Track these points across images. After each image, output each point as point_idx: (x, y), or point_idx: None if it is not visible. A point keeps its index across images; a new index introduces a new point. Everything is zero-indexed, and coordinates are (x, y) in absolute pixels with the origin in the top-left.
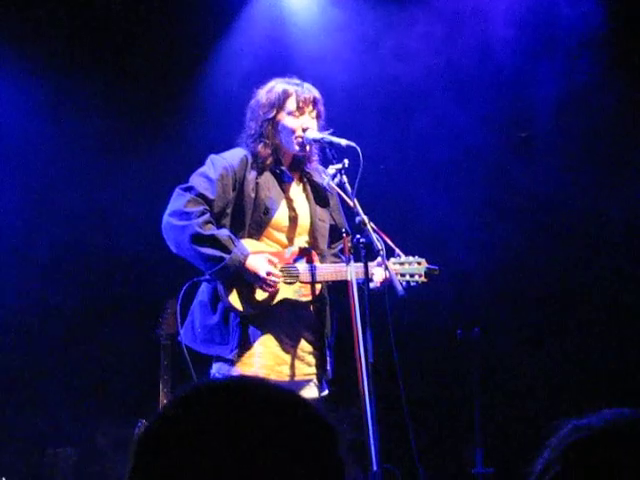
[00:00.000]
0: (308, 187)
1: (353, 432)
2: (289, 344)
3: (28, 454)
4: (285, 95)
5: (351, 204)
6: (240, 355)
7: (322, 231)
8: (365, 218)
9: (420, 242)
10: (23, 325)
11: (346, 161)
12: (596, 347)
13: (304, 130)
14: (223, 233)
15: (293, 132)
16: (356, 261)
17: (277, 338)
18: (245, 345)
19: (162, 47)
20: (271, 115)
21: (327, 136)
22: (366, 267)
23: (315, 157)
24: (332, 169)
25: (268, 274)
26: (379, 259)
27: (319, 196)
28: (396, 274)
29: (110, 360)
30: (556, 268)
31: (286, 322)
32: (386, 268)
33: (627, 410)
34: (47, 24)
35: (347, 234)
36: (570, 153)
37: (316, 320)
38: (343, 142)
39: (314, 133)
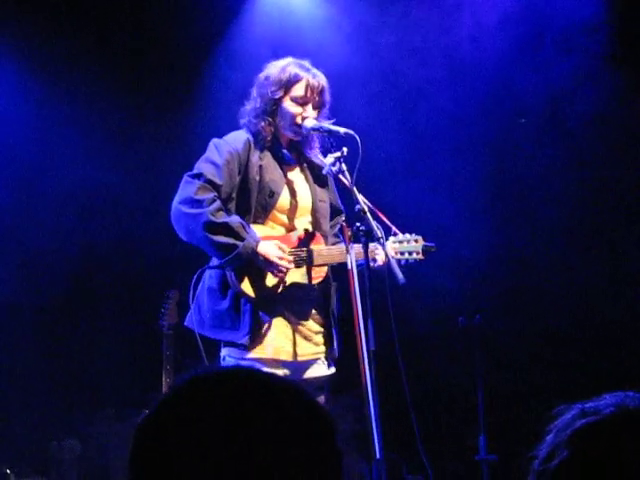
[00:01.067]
0: (306, 168)
1: (355, 420)
2: (297, 325)
3: (33, 446)
4: (296, 79)
5: (348, 187)
6: (252, 340)
7: (323, 212)
8: (365, 206)
9: (420, 229)
10: (25, 317)
11: (345, 149)
12: (599, 334)
13: (303, 119)
14: (235, 220)
15: (293, 118)
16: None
17: (286, 320)
18: (256, 329)
19: (171, 33)
20: (278, 95)
21: (325, 124)
22: (366, 254)
23: (315, 144)
24: (331, 157)
25: (280, 259)
26: (375, 244)
27: (318, 176)
28: (396, 252)
29: (113, 351)
30: (557, 257)
31: (294, 304)
32: (386, 255)
33: (631, 393)
34: (55, 9)
35: (346, 223)
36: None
37: (322, 300)
38: (342, 130)
39: (312, 122)
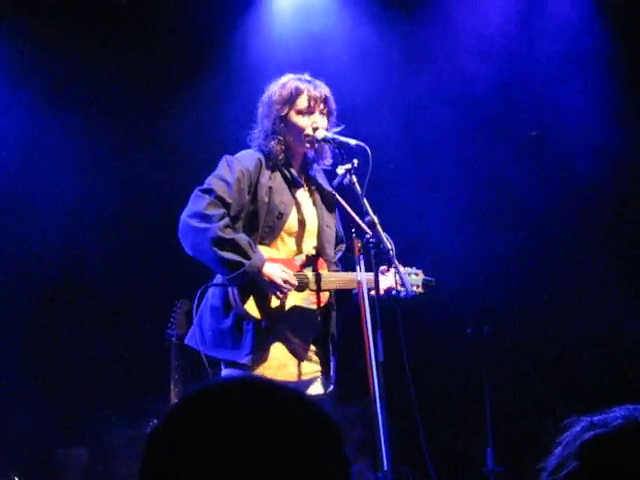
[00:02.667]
0: (315, 192)
1: (363, 432)
2: (297, 347)
3: (39, 454)
4: (297, 92)
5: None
6: (254, 359)
7: (328, 237)
8: (375, 218)
9: (430, 241)
10: (33, 324)
11: (355, 161)
12: (606, 345)
13: (314, 130)
14: (243, 238)
15: (302, 131)
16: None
17: (286, 342)
18: (258, 349)
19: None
20: (283, 112)
21: (336, 136)
22: (376, 268)
23: (328, 154)
24: (341, 169)
25: (285, 281)
26: (382, 268)
27: (326, 201)
28: (397, 284)
29: (121, 360)
30: (563, 268)
31: (295, 327)
32: (396, 267)
33: None
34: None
35: (356, 235)
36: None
37: (322, 325)
38: (352, 142)
39: (323, 133)
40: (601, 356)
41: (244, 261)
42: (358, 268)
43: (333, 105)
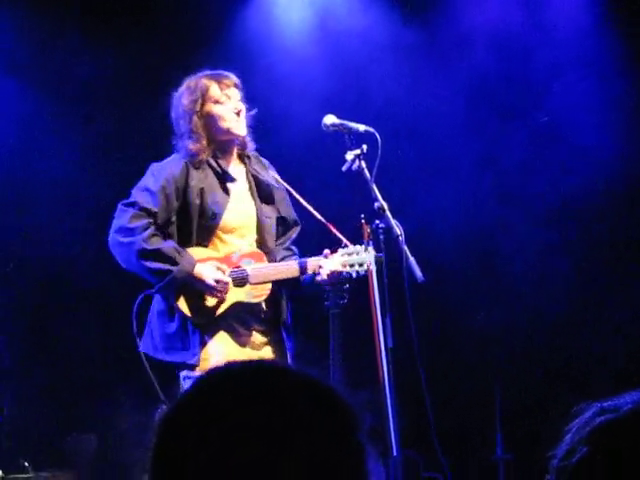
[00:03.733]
0: (253, 185)
1: (372, 417)
2: (246, 338)
3: (50, 439)
4: (205, 86)
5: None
6: (202, 358)
7: (268, 229)
8: (384, 204)
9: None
10: (41, 309)
11: (364, 146)
12: (618, 333)
13: (238, 113)
14: (168, 245)
15: (225, 118)
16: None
17: (233, 337)
18: (205, 348)
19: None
20: (196, 109)
21: (345, 122)
22: (386, 253)
23: (248, 139)
24: (350, 155)
25: (217, 282)
26: (326, 251)
27: (264, 193)
28: (344, 265)
29: (131, 345)
30: (583, 257)
31: (238, 321)
32: (405, 253)
33: None
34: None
35: (365, 221)
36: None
37: (269, 313)
38: (361, 128)
39: (332, 119)
40: (617, 343)
41: (172, 268)
42: (367, 256)
43: (242, 92)
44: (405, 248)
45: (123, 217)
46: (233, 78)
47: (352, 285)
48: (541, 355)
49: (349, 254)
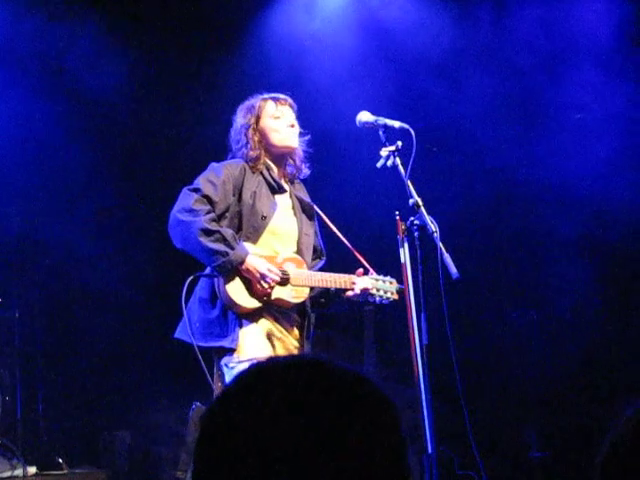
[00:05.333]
0: (296, 201)
1: (408, 415)
2: (276, 339)
3: (84, 436)
4: (260, 105)
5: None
6: (240, 344)
7: (307, 244)
8: (419, 200)
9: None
10: (75, 313)
11: (399, 143)
12: None
13: (292, 126)
14: (228, 230)
15: (278, 130)
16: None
17: (268, 333)
18: (243, 338)
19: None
20: (252, 122)
21: (381, 118)
22: (421, 249)
23: (305, 165)
24: (385, 151)
25: (269, 271)
26: (359, 271)
27: (305, 211)
28: (372, 288)
29: (164, 343)
30: (612, 250)
31: (277, 319)
32: (440, 250)
33: None
34: None
35: (400, 217)
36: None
37: (299, 319)
38: (396, 124)
39: (367, 116)
40: None
41: (229, 250)
42: (402, 250)
43: (296, 113)
44: (440, 245)
45: (187, 199)
46: (289, 99)
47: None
48: (581, 353)
49: (376, 280)
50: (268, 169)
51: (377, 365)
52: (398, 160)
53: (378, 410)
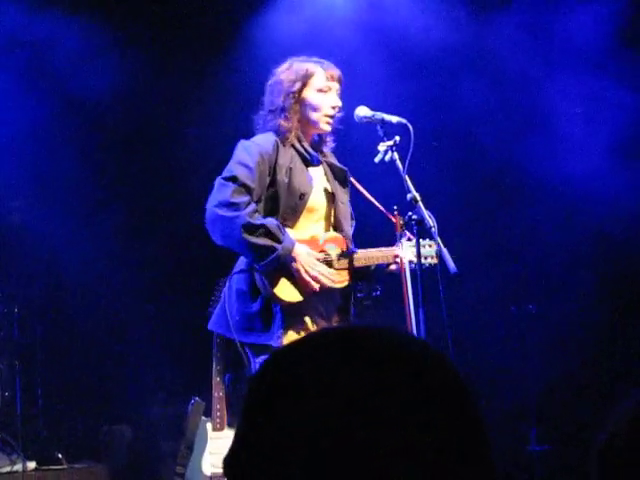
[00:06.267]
0: (328, 169)
1: None
2: (322, 325)
3: (84, 431)
4: (310, 71)
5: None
6: (284, 342)
7: (345, 213)
8: (417, 195)
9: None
10: (77, 306)
11: (397, 138)
12: None
13: (333, 108)
14: (272, 222)
15: (320, 109)
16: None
17: (313, 321)
18: (287, 331)
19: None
20: (295, 89)
21: (378, 113)
22: (418, 246)
23: (330, 138)
24: (383, 146)
25: (320, 273)
26: (399, 243)
27: (338, 177)
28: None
29: (164, 337)
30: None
31: (320, 305)
32: (438, 245)
33: None
34: None
35: (398, 212)
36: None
37: (342, 303)
38: (394, 119)
39: (365, 110)
40: None
41: (276, 245)
42: (400, 245)
43: (342, 87)
44: (438, 239)
45: (224, 191)
46: (337, 70)
47: (385, 277)
48: (580, 346)
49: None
50: (299, 140)
51: None
52: (396, 155)
53: (458, 386)
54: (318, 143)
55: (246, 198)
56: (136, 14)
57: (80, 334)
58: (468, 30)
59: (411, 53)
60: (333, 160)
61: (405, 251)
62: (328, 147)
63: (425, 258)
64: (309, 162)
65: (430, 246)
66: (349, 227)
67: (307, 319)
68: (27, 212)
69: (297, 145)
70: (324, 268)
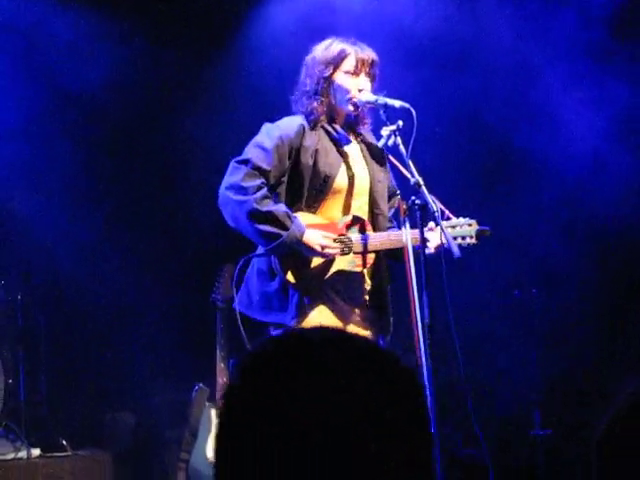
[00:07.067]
0: (364, 148)
1: None
2: (344, 310)
3: (87, 418)
4: (343, 54)
5: (404, 169)
6: (299, 323)
7: (382, 192)
8: (420, 179)
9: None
10: (80, 293)
11: (400, 122)
12: None
13: (359, 91)
14: (280, 209)
15: (348, 92)
16: (411, 224)
17: (333, 305)
18: (303, 313)
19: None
20: (327, 73)
21: (381, 98)
22: (422, 230)
23: (367, 120)
24: (386, 130)
25: (324, 247)
26: (431, 224)
27: (375, 156)
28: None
29: (167, 324)
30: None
31: (342, 290)
32: (442, 229)
33: None
34: None
35: (401, 197)
36: None
37: (372, 285)
38: (397, 103)
39: (368, 95)
40: None
41: (282, 232)
42: (404, 229)
43: (377, 70)
44: (442, 224)
45: (236, 174)
46: (372, 54)
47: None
48: (583, 329)
49: (452, 226)
50: (331, 121)
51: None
52: (399, 139)
53: (404, 384)
54: (355, 123)
55: (257, 182)
56: (132, 4)
57: (83, 321)
58: (469, 18)
59: (413, 42)
60: (371, 139)
61: (437, 237)
62: (365, 127)
63: (463, 239)
64: (340, 143)
65: (470, 225)
66: (385, 206)
67: (325, 304)
68: (26, 202)
69: (327, 127)
70: (330, 239)
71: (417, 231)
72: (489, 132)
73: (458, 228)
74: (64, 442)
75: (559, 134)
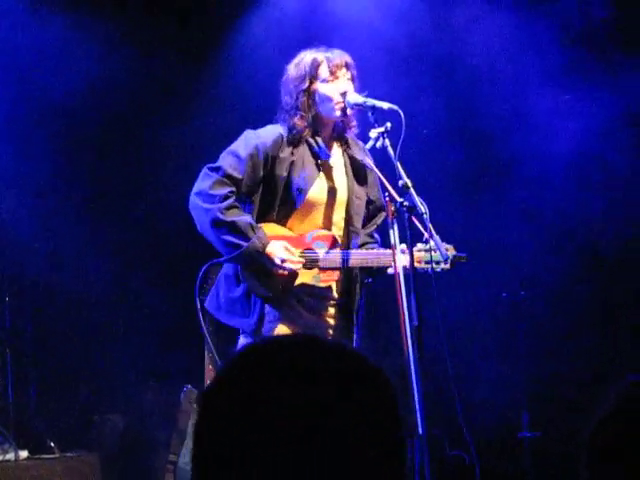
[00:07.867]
0: (348, 163)
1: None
2: (309, 320)
3: (76, 420)
4: (315, 63)
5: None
6: (260, 329)
7: (357, 209)
8: (408, 181)
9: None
10: (68, 293)
11: (388, 124)
12: None
13: (343, 94)
14: (244, 220)
15: (331, 99)
16: (399, 227)
17: (297, 316)
18: (265, 320)
19: None
20: (304, 86)
21: (369, 100)
22: (410, 231)
23: (354, 123)
24: (374, 132)
25: (283, 261)
26: (402, 247)
27: (358, 173)
28: (419, 261)
29: (155, 325)
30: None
31: (307, 302)
32: (429, 232)
33: None
34: None
35: (390, 199)
36: None
37: (340, 300)
38: (385, 105)
39: (355, 96)
40: None
41: (242, 243)
42: (392, 232)
43: (354, 71)
44: (430, 226)
45: (206, 181)
46: (344, 56)
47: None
48: (571, 331)
49: (426, 250)
50: (315, 134)
51: (367, 344)
52: (387, 141)
53: (377, 386)
54: (342, 129)
55: (226, 190)
56: (119, 7)
57: (71, 323)
58: (454, 25)
59: (405, 46)
60: (356, 152)
61: (403, 260)
62: (352, 132)
63: (437, 263)
64: (319, 156)
65: (447, 250)
66: (360, 224)
67: (289, 314)
68: (12, 204)
69: (310, 140)
70: (294, 254)
71: (399, 252)
72: (476, 139)
73: (433, 253)
74: (52, 444)
75: (546, 140)
